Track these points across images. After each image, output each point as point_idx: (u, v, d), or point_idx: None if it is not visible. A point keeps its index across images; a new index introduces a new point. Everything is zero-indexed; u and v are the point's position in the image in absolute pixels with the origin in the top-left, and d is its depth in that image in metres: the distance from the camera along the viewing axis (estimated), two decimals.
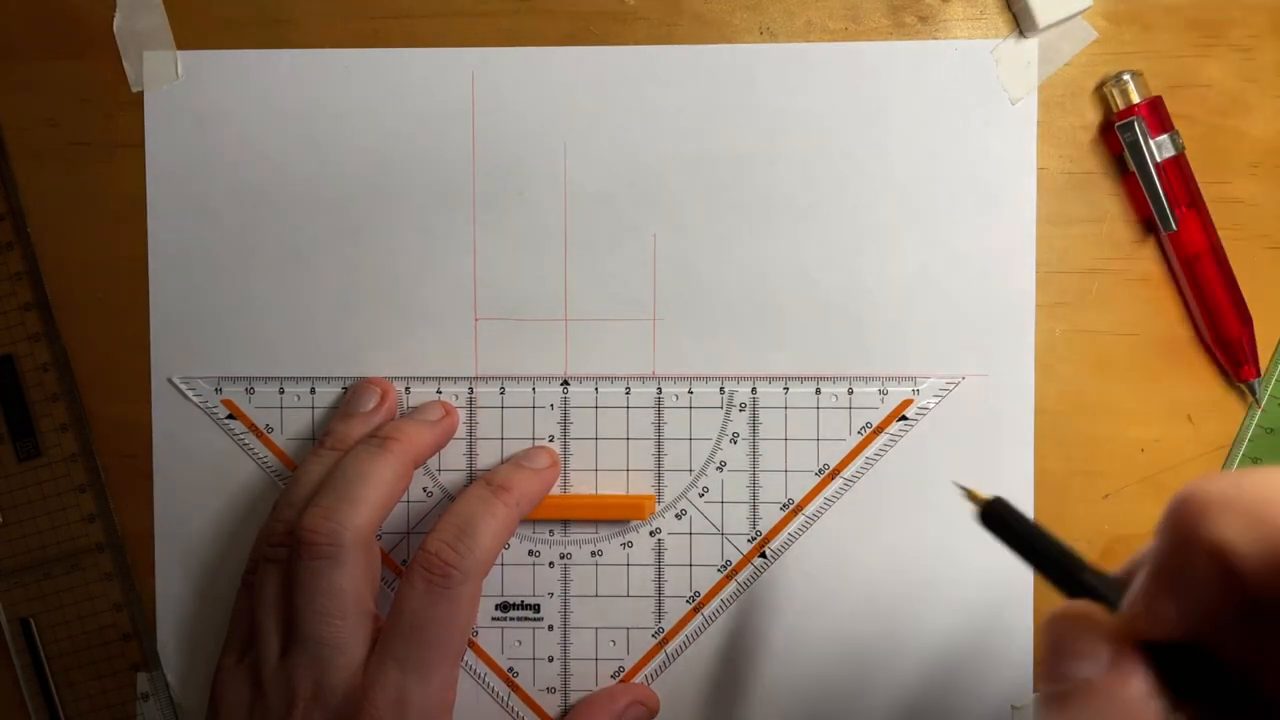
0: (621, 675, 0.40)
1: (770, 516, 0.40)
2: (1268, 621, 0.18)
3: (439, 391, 0.40)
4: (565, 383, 0.40)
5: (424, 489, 0.40)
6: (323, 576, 0.34)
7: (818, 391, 0.40)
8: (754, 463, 0.40)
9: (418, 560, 0.34)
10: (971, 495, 0.29)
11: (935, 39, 0.39)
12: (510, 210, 0.40)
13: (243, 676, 0.36)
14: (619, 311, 0.40)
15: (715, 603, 0.40)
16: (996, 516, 0.28)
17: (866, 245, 0.39)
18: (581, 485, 0.40)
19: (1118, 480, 0.40)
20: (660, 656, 0.40)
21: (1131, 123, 0.38)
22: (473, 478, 0.40)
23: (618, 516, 0.40)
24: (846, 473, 0.40)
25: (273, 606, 0.36)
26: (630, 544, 0.40)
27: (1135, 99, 0.38)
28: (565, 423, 0.40)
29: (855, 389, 0.40)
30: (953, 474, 0.39)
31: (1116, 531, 0.40)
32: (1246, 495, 0.18)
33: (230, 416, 0.41)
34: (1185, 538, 0.19)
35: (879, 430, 0.39)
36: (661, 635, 0.40)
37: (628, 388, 0.40)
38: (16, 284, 0.41)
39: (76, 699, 0.41)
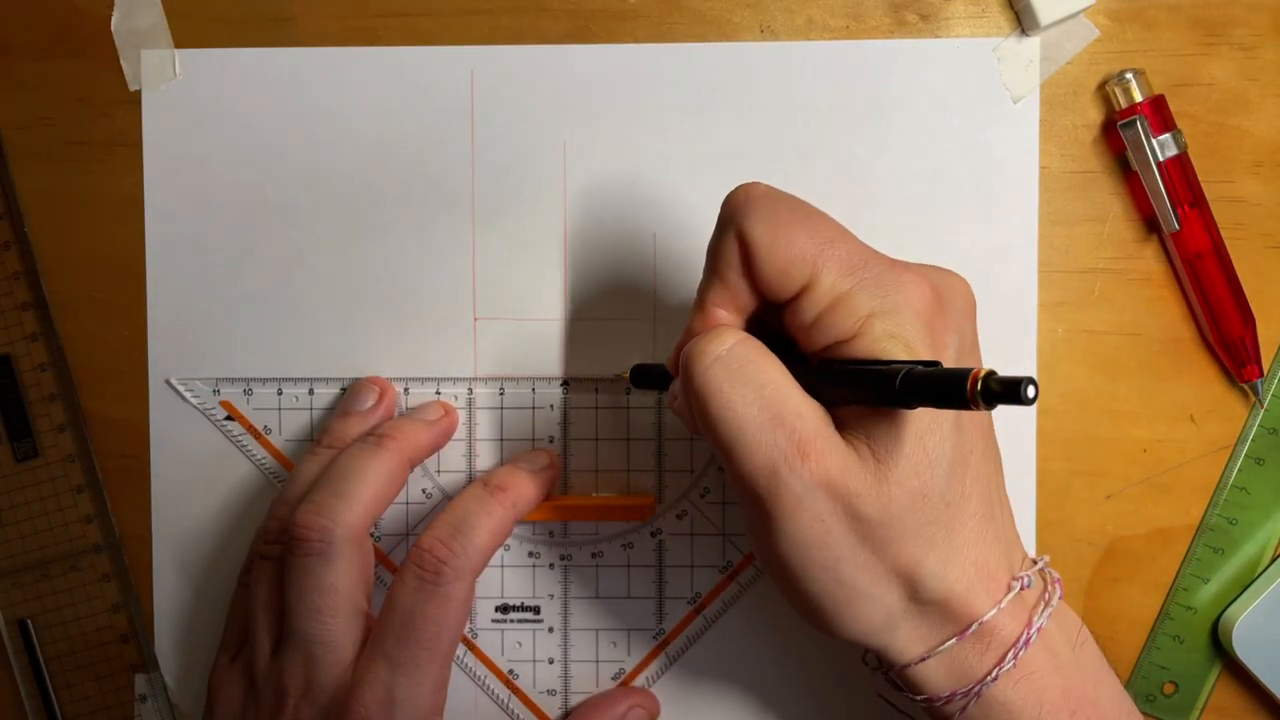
0: (622, 677, 0.40)
1: None
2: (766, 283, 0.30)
3: (438, 392, 0.40)
4: (565, 383, 0.40)
5: (423, 490, 0.40)
6: (314, 573, 0.34)
7: None
8: None
9: (411, 557, 0.34)
10: (621, 376, 0.39)
11: (937, 37, 0.39)
12: (510, 209, 0.40)
13: (237, 674, 0.36)
14: (619, 311, 0.40)
15: (716, 603, 0.40)
16: (640, 377, 0.37)
17: (867, 244, 0.39)
18: (582, 486, 0.40)
19: (1120, 480, 0.40)
20: (661, 658, 0.40)
21: (1134, 121, 0.37)
22: (472, 479, 0.40)
23: (618, 518, 0.40)
24: None
25: (266, 604, 0.36)
26: (631, 545, 0.40)
27: (1137, 98, 0.38)
28: (565, 423, 0.40)
29: None
30: None
31: (1119, 532, 0.39)
32: (767, 208, 0.30)
33: (228, 418, 0.40)
34: (724, 225, 0.31)
35: None
36: (662, 636, 0.40)
37: (628, 388, 0.40)
38: (14, 284, 0.41)
39: (74, 700, 0.41)
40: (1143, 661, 0.40)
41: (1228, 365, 0.39)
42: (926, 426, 0.29)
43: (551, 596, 0.40)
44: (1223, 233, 0.38)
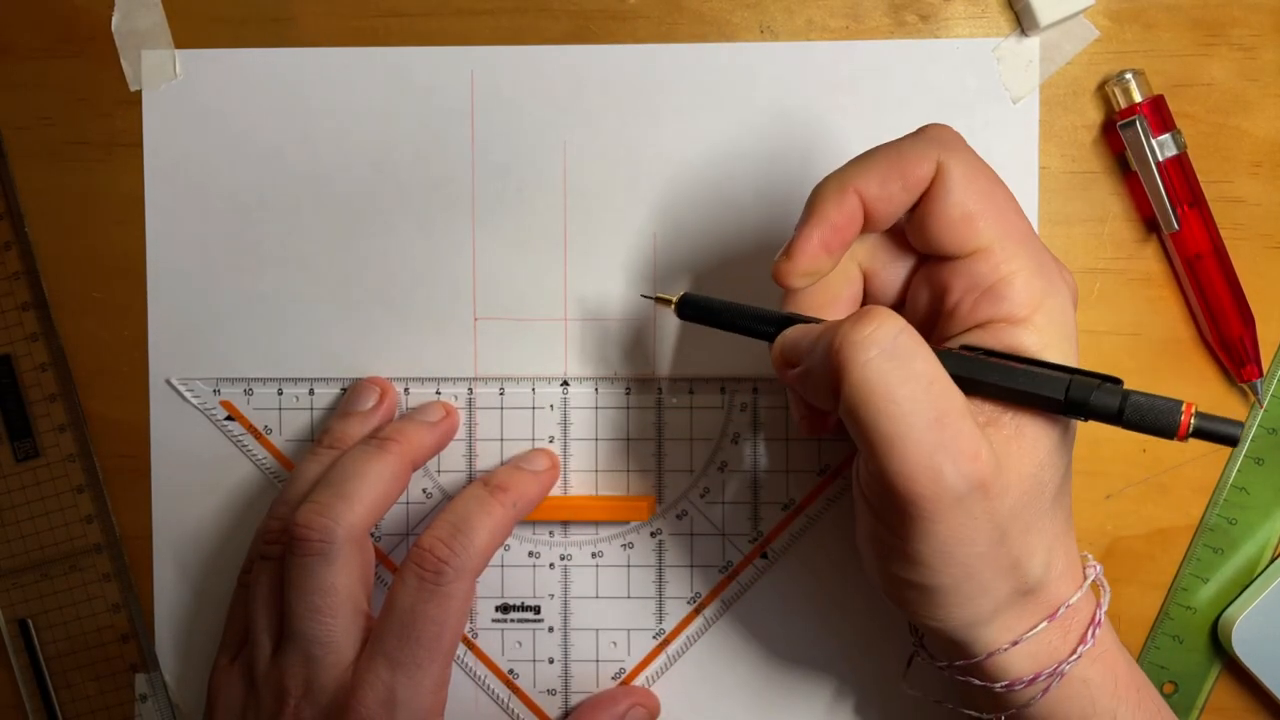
0: (622, 677, 0.40)
1: (771, 517, 0.40)
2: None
3: (438, 392, 0.40)
4: (565, 383, 0.40)
5: (423, 490, 0.40)
6: (315, 574, 0.34)
7: None
8: (755, 463, 0.40)
9: (411, 556, 0.34)
10: (661, 299, 0.35)
11: (936, 38, 0.39)
12: (510, 209, 0.40)
13: (237, 675, 0.36)
14: (619, 311, 0.40)
15: (716, 604, 0.40)
16: (691, 306, 0.34)
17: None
18: (582, 486, 0.40)
19: (1119, 480, 0.40)
20: (661, 658, 0.40)
21: (1133, 121, 0.37)
22: (472, 479, 0.40)
23: (618, 518, 0.40)
24: (848, 473, 0.40)
25: (266, 604, 0.36)
26: (631, 545, 0.40)
27: (1137, 98, 0.38)
28: (565, 423, 0.40)
29: None
30: None
31: (1118, 532, 0.40)
32: (972, 154, 0.30)
33: (229, 418, 0.40)
34: (925, 144, 0.30)
35: None
36: (662, 636, 0.40)
37: (628, 388, 0.40)
38: (15, 283, 0.41)
39: (74, 700, 0.41)
40: (1143, 661, 0.40)
41: (1227, 365, 0.39)
42: (1059, 424, 0.29)
43: (551, 596, 0.40)
44: (1222, 233, 0.38)
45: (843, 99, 0.39)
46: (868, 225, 0.31)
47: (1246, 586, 0.39)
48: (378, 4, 0.40)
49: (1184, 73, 0.39)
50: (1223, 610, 0.39)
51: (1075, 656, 0.30)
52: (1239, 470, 0.39)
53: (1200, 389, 0.39)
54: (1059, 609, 0.30)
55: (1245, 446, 0.39)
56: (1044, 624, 0.30)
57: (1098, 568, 0.32)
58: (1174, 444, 0.39)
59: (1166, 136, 0.38)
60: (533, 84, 0.40)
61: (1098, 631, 0.31)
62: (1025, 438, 0.29)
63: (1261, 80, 0.39)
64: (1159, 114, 0.38)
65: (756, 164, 0.39)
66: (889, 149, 0.31)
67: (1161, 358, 0.39)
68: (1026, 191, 0.39)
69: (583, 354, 0.40)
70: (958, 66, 0.39)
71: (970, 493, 0.28)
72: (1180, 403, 0.25)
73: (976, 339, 0.30)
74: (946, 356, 0.29)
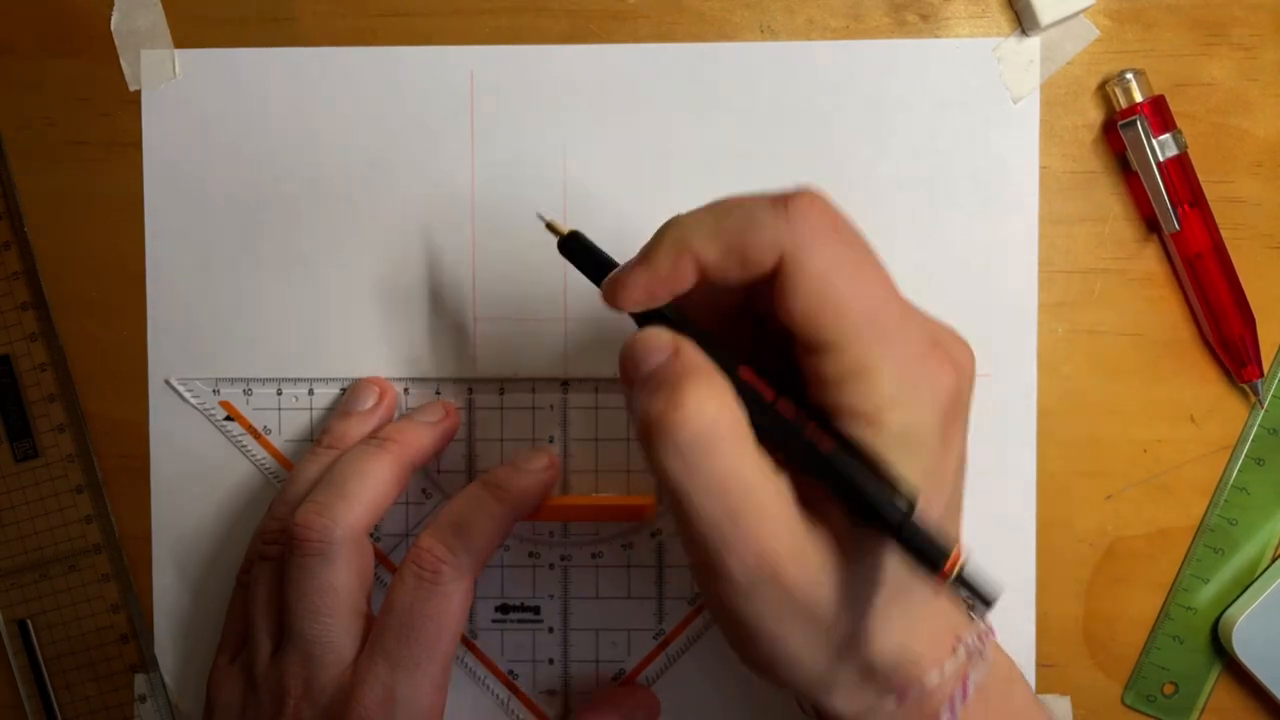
0: (623, 677, 0.40)
1: None
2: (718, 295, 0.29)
3: (438, 392, 0.40)
4: (565, 384, 0.40)
5: (423, 490, 0.40)
6: (314, 574, 0.34)
7: None
8: None
9: (410, 556, 0.34)
10: (552, 227, 0.33)
11: (937, 37, 0.39)
12: (510, 209, 0.40)
13: (236, 675, 0.36)
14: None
15: None
16: (574, 245, 0.33)
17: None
18: (582, 487, 0.40)
19: (1120, 481, 0.39)
20: (661, 658, 0.40)
21: (1134, 121, 0.37)
22: (471, 479, 0.40)
23: (618, 518, 0.40)
24: None
25: (265, 604, 0.36)
26: (631, 545, 0.40)
27: (1138, 98, 0.38)
28: (565, 424, 0.40)
29: None
30: None
31: (1119, 533, 0.39)
32: (712, 222, 0.27)
33: (228, 418, 0.40)
34: (675, 247, 0.28)
35: None
36: (663, 636, 0.40)
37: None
38: (14, 283, 0.41)
39: (74, 701, 0.41)
40: (1143, 662, 0.40)
41: (1228, 365, 0.39)
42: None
43: (551, 596, 0.40)
44: (1223, 233, 0.38)
45: (843, 99, 0.39)
46: (708, 284, 0.28)
47: (1247, 587, 0.39)
48: (378, 4, 0.40)
49: (1184, 72, 0.39)
50: (1223, 611, 0.39)
51: None
52: (1240, 471, 0.39)
53: (1200, 389, 0.39)
54: (911, 691, 0.29)
55: (1246, 446, 0.39)
56: (892, 706, 0.29)
57: (970, 641, 0.30)
58: (1175, 444, 0.39)
59: (1167, 136, 0.38)
60: (533, 84, 0.40)
61: (960, 706, 0.29)
62: (846, 538, 0.27)
63: (1262, 80, 0.39)
64: (1159, 114, 0.38)
65: (756, 164, 0.39)
66: (741, 216, 0.27)
67: (1162, 358, 0.39)
68: (1027, 191, 0.39)
69: (583, 354, 0.40)
70: (958, 66, 0.39)
71: (758, 585, 0.26)
72: (949, 550, 0.24)
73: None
74: (776, 424, 0.27)
